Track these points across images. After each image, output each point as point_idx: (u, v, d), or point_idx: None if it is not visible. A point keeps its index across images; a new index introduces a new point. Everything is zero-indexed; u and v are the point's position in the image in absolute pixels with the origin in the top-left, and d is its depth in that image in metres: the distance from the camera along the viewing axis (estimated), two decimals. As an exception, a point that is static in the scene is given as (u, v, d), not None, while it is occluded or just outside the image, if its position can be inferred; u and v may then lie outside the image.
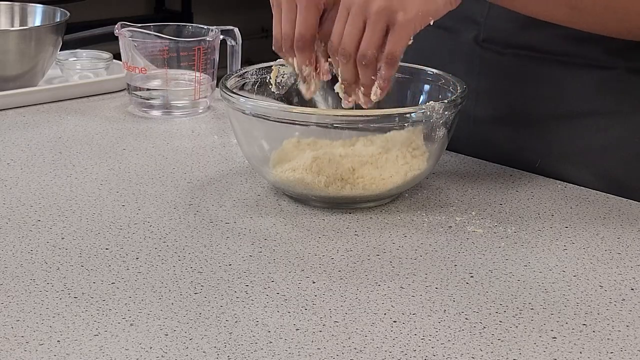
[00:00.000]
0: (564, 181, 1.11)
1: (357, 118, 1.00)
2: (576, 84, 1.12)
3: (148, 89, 1.36)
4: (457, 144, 1.17)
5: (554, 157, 1.14)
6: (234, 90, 1.05)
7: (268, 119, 1.00)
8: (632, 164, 1.13)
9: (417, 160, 1.02)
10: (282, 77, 1.11)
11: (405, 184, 1.03)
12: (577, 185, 1.10)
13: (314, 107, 1.11)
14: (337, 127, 1.01)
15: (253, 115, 1.01)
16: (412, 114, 0.99)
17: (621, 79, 1.11)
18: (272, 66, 1.11)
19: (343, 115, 1.00)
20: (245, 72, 1.12)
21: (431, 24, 0.97)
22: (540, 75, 1.13)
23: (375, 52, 0.97)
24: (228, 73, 1.12)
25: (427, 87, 1.11)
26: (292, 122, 1.00)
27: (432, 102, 1.00)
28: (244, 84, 1.11)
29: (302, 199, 1.03)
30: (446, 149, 1.08)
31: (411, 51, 1.01)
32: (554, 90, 1.13)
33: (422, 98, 1.12)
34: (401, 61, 1.00)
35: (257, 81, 1.12)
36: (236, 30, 1.37)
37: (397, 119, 0.99)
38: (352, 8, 0.97)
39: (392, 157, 1.01)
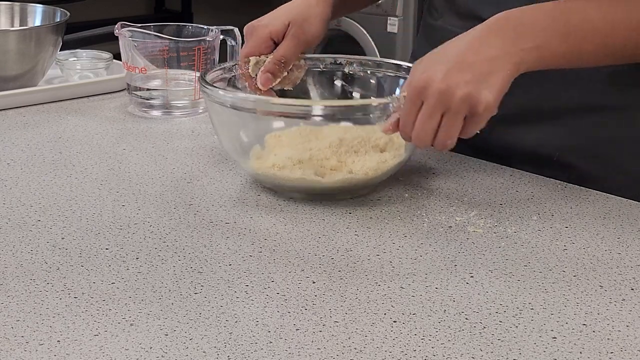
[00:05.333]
0: (581, 175, 1.11)
1: (334, 109, 1.01)
2: (591, 78, 1.12)
3: (148, 89, 1.36)
4: (469, 143, 1.18)
5: (571, 150, 1.14)
6: (213, 84, 1.08)
7: (246, 111, 1.02)
8: None
9: (393, 150, 1.04)
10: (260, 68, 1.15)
11: (383, 173, 1.04)
12: (595, 177, 1.11)
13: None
14: (314, 117, 1.02)
15: (231, 107, 1.03)
16: (386, 105, 1.00)
17: (636, 72, 1.12)
18: (249, 60, 1.15)
19: (320, 106, 1.01)
20: (225, 67, 1.15)
21: None
22: (554, 71, 1.13)
23: (455, 140, 0.96)
24: (207, 67, 1.15)
25: (402, 81, 1.14)
26: (271, 113, 1.03)
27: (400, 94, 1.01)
28: (231, 78, 1.15)
29: (281, 191, 1.05)
30: (458, 149, 1.09)
31: (422, 51, 1.02)
32: (569, 86, 1.13)
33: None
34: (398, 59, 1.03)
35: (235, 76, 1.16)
36: (236, 30, 1.38)
37: (372, 108, 1.01)
38: (428, 99, 0.94)
39: (368, 148, 1.04)
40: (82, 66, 1.52)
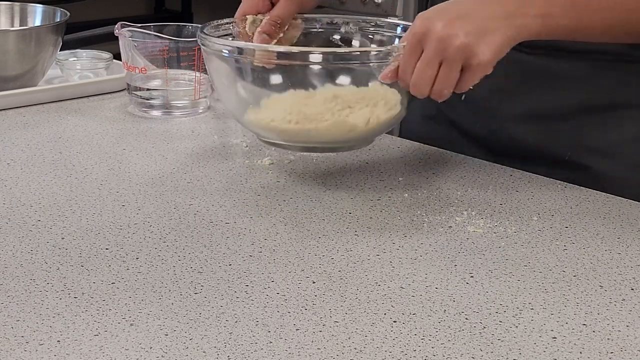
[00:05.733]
0: (595, 173, 1.11)
1: (334, 55, 1.01)
2: (603, 78, 1.12)
3: (148, 89, 1.36)
4: (479, 142, 1.18)
5: (583, 149, 1.14)
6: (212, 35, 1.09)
7: (244, 59, 1.03)
8: None
9: (388, 106, 1.04)
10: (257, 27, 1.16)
11: (379, 124, 1.04)
12: (609, 177, 1.11)
13: None
14: (313, 64, 1.02)
15: (231, 56, 1.04)
16: (384, 51, 1.00)
17: None
18: (246, 18, 1.15)
19: (319, 53, 1.01)
20: (221, 23, 1.15)
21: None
22: (566, 72, 1.13)
23: (451, 91, 0.96)
24: (206, 23, 1.16)
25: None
26: (269, 61, 1.02)
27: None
28: (227, 35, 1.15)
29: (278, 146, 1.07)
30: (467, 151, 1.09)
31: None
32: (581, 86, 1.13)
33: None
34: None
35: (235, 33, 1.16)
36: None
37: (371, 56, 1.01)
38: (427, 45, 0.94)
39: (362, 105, 1.03)
40: (82, 66, 1.52)
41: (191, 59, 1.33)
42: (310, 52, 1.02)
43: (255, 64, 1.03)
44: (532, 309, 0.82)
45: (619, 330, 0.79)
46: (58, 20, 1.47)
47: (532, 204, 1.05)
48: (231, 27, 1.16)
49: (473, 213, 1.02)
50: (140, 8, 4.15)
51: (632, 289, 0.86)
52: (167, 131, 1.28)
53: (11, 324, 0.77)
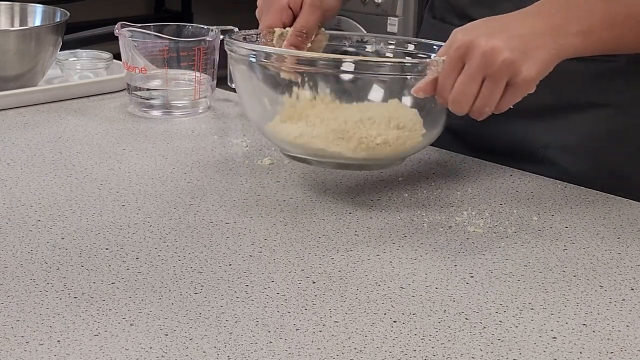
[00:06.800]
0: (565, 171, 1.12)
1: (365, 64, 0.98)
2: (579, 76, 1.12)
3: (148, 89, 1.36)
4: (457, 138, 1.18)
5: (556, 147, 1.15)
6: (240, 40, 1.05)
7: (271, 65, 1.00)
8: (633, 155, 1.14)
9: (415, 129, 1.00)
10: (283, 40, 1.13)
11: (409, 148, 1.01)
12: (577, 175, 1.11)
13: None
14: (342, 73, 0.98)
15: (257, 63, 1.01)
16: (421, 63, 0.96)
17: (623, 71, 1.12)
18: (273, 31, 1.13)
19: (349, 62, 0.98)
20: (247, 34, 1.13)
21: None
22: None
23: (493, 108, 0.93)
24: (234, 32, 1.13)
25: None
26: (298, 68, 0.98)
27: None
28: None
29: (305, 160, 1.04)
30: (447, 147, 1.09)
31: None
32: (557, 83, 1.13)
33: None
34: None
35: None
36: (236, 30, 1.37)
37: (408, 67, 0.98)
38: (470, 60, 0.91)
39: (391, 126, 0.99)
40: (82, 66, 1.52)
41: (191, 59, 1.33)
42: (343, 61, 0.98)
43: (284, 76, 1.00)
44: (532, 309, 0.82)
45: (619, 330, 0.79)
46: (58, 20, 1.47)
47: (532, 204, 1.05)
48: (258, 39, 1.13)
49: (473, 213, 1.02)
50: (140, 8, 4.16)
51: (632, 289, 0.86)
52: (167, 131, 1.28)
53: (11, 324, 0.77)
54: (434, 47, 1.12)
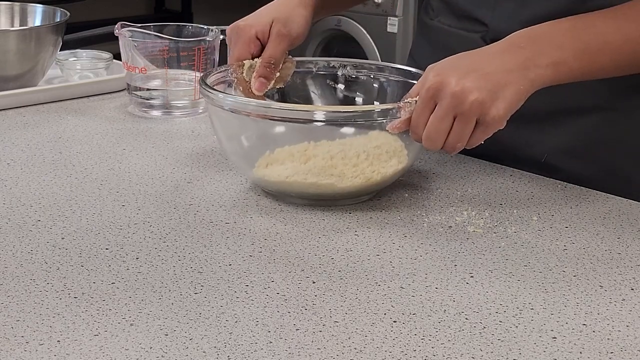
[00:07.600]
0: (570, 176, 1.12)
1: (338, 114, 0.99)
2: (577, 83, 1.12)
3: (148, 89, 1.36)
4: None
5: (560, 152, 1.14)
6: (214, 87, 1.06)
7: (247, 115, 1.00)
8: (633, 156, 1.14)
9: (396, 157, 1.03)
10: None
11: (387, 178, 1.03)
12: (584, 179, 1.11)
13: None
14: (316, 122, 1.00)
15: (231, 111, 1.01)
16: (392, 110, 0.98)
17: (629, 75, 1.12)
18: (243, 64, 1.14)
19: (323, 112, 1.00)
20: (225, 69, 1.14)
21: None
22: None
23: (464, 144, 0.97)
24: (208, 70, 1.14)
25: (397, 84, 1.14)
26: (271, 119, 1.00)
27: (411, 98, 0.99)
28: (230, 81, 1.14)
29: (282, 197, 1.04)
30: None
31: (419, 50, 1.01)
32: (560, 87, 1.13)
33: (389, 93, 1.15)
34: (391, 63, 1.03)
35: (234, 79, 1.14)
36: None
37: (375, 114, 0.99)
38: (441, 101, 0.95)
39: (372, 158, 1.02)
40: (82, 66, 1.52)
41: (191, 59, 1.33)
42: (316, 111, 1.00)
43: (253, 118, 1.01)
44: (532, 309, 0.82)
45: (619, 330, 0.79)
46: (58, 20, 1.47)
47: (532, 204, 1.05)
48: (228, 74, 1.13)
49: (473, 213, 1.02)
50: (140, 8, 4.15)
51: (632, 289, 0.86)
52: (167, 131, 1.28)
53: (11, 324, 0.77)
54: (405, 70, 1.14)
